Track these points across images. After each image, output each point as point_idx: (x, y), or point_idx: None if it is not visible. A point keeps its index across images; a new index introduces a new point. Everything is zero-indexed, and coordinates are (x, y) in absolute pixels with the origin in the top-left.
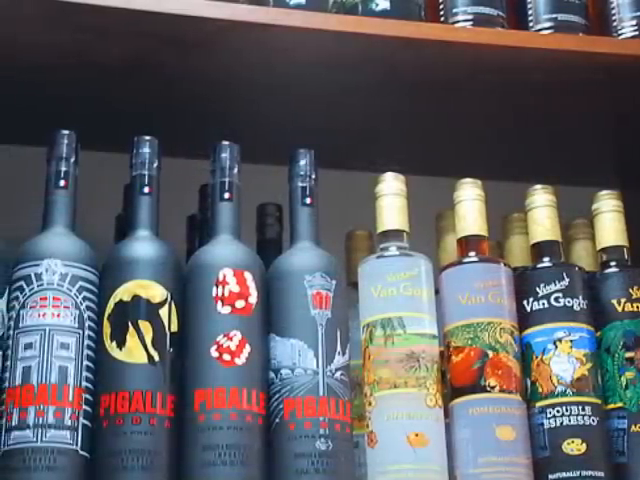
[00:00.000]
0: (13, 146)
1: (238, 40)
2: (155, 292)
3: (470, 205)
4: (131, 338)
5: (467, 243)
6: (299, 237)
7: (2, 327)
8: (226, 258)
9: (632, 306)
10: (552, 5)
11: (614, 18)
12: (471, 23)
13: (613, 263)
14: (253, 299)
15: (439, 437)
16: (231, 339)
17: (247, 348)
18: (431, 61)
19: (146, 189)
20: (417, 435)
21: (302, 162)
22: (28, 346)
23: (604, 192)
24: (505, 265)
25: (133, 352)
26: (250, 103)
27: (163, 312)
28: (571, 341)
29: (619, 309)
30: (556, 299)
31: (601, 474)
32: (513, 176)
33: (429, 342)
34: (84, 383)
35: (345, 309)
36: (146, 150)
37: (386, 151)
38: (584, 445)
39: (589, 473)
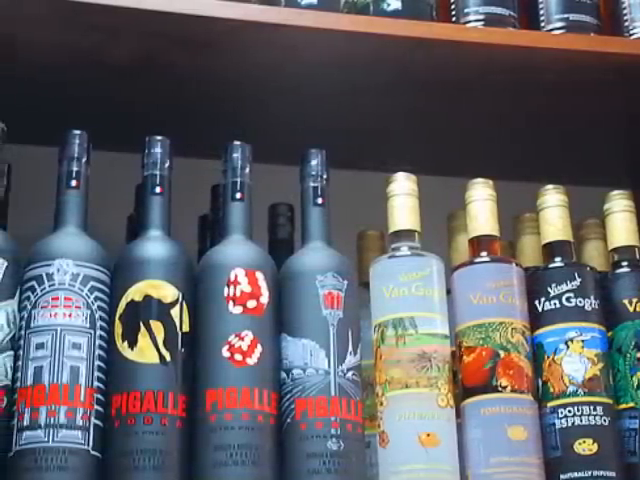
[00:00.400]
0: (25, 146)
1: (249, 40)
2: (167, 292)
3: (482, 205)
4: (143, 338)
5: (479, 243)
6: (311, 237)
7: (14, 327)
8: (238, 258)
9: None
10: (564, 5)
11: (626, 18)
12: (482, 23)
13: (625, 263)
14: (265, 299)
15: (451, 437)
16: (243, 339)
17: (259, 348)
18: (442, 61)
19: (158, 189)
20: (429, 435)
21: (314, 162)
22: (40, 346)
23: (616, 192)
24: (517, 265)
25: (145, 352)
26: (261, 103)
27: (175, 312)
28: (583, 341)
29: (631, 309)
30: (568, 299)
31: (613, 474)
32: (525, 176)
33: (441, 342)
34: (96, 383)
35: (357, 309)
36: (158, 150)
37: (397, 151)
38: (596, 445)
39: (601, 473)
